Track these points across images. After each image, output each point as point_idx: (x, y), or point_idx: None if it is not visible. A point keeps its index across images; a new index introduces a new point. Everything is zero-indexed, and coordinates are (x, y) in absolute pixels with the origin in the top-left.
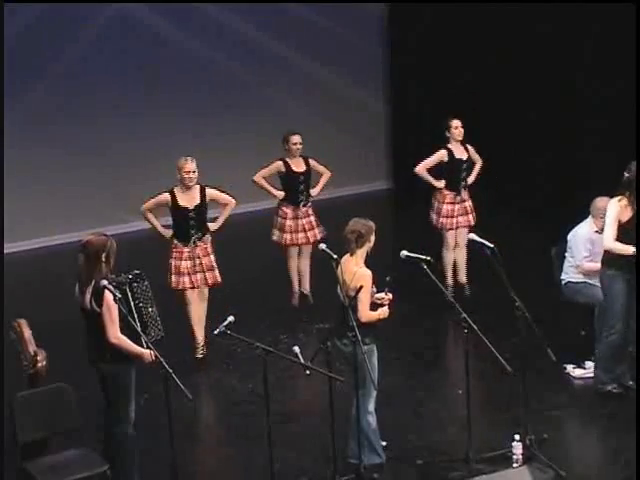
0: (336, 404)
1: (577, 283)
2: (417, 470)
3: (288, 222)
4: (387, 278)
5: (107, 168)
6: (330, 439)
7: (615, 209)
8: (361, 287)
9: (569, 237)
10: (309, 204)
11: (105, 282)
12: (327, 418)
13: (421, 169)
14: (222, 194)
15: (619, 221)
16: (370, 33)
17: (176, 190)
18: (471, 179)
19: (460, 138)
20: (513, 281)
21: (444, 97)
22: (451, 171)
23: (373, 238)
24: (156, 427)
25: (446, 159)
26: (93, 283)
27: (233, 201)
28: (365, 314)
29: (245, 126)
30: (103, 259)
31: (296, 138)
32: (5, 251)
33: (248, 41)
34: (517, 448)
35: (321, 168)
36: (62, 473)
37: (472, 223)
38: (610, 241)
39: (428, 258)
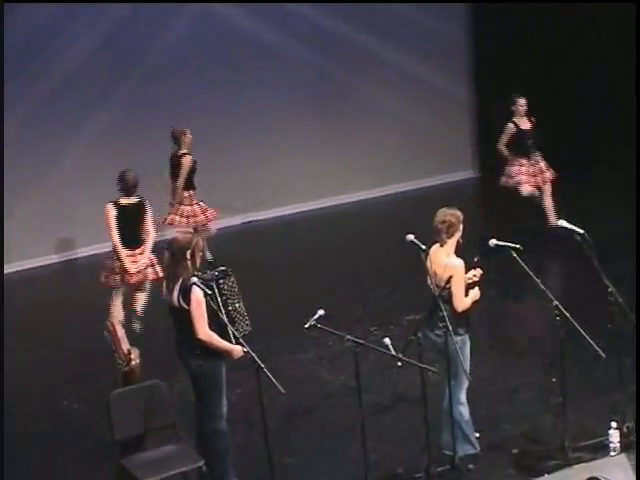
0: (429, 395)
1: None
2: (512, 459)
3: (524, 168)
4: (474, 259)
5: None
6: (424, 430)
7: None
8: (451, 277)
9: None
10: (536, 153)
11: (195, 279)
12: (420, 409)
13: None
14: None
15: None
16: (455, 21)
17: None
18: None
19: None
20: (604, 266)
21: (529, 83)
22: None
23: (462, 227)
24: (249, 421)
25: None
26: (180, 280)
27: None
28: (461, 303)
29: (329, 116)
30: (188, 257)
31: (522, 101)
32: (95, 251)
33: (331, 33)
34: (614, 436)
35: None
36: (159, 469)
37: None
38: None
39: (518, 246)
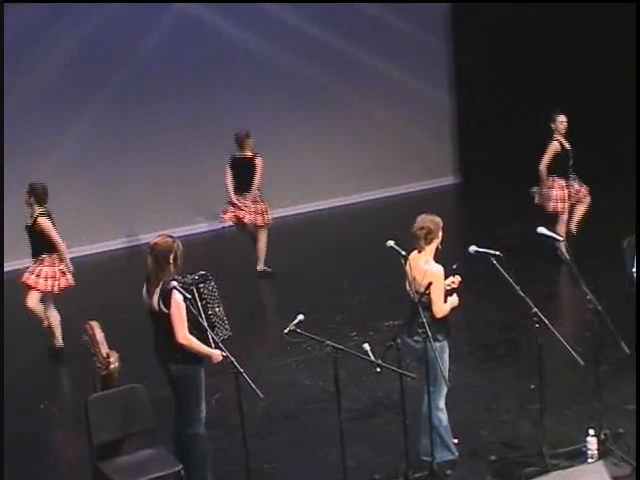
0: (407, 401)
1: None
2: (490, 466)
3: (564, 193)
4: (454, 266)
5: (173, 169)
6: (402, 436)
7: None
8: (430, 283)
9: None
10: (573, 175)
11: (175, 283)
12: (399, 415)
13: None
14: None
15: None
16: (435, 29)
17: None
18: None
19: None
20: (585, 274)
21: (510, 91)
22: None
23: (441, 234)
24: (228, 426)
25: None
26: (161, 284)
27: None
28: (440, 309)
29: (313, 122)
30: (171, 261)
31: (562, 118)
32: (77, 254)
33: (316, 40)
34: (592, 443)
35: None
36: (136, 473)
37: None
38: None
39: (497, 253)
